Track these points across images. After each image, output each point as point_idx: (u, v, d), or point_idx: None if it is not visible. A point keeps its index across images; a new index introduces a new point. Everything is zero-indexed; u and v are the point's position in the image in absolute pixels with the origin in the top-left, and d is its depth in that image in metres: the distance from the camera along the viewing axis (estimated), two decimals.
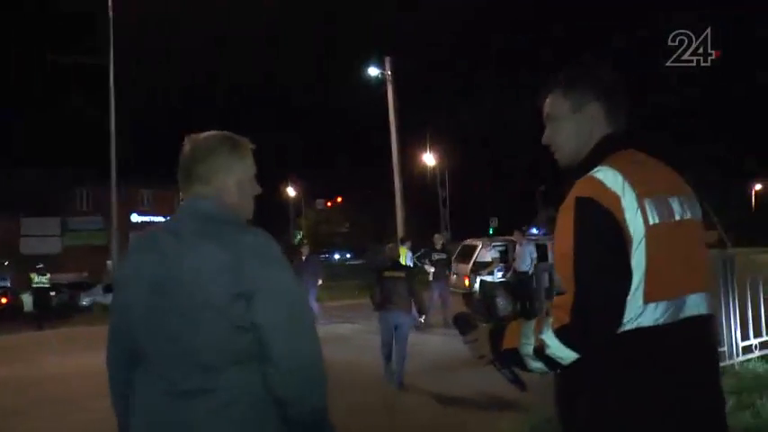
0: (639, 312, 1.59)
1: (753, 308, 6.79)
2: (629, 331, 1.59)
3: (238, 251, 1.70)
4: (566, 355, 1.61)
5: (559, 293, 1.67)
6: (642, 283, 1.59)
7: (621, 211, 1.60)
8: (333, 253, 66.43)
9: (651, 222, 1.61)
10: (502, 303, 14.16)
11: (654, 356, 1.60)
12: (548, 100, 1.90)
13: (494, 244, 14.83)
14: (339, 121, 79.38)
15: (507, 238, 16.07)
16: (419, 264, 12.91)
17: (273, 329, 1.70)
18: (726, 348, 6.47)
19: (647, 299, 1.60)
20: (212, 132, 1.94)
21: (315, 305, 14.30)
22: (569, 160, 1.88)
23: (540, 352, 1.64)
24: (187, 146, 1.92)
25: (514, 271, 13.99)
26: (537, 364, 1.67)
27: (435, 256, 12.90)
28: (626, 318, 1.59)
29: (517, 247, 14.04)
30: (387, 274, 8.04)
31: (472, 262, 13.94)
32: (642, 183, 1.65)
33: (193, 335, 1.69)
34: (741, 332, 6.66)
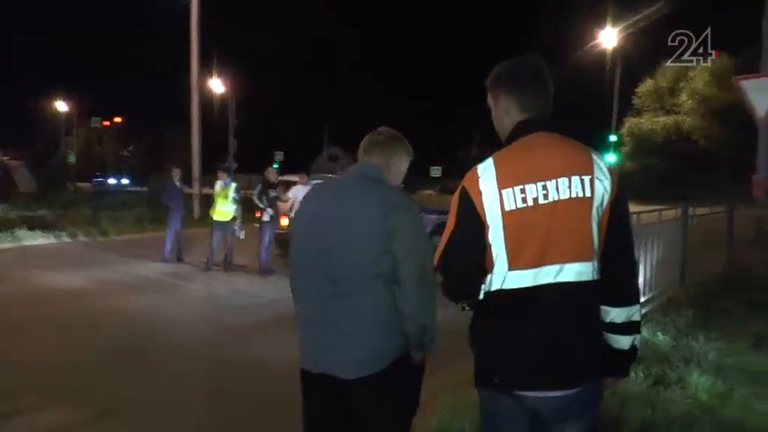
0: (504, 278, 2.05)
1: None
2: (496, 291, 2.06)
3: (388, 203, 2.42)
4: (452, 302, 2.18)
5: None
6: (504, 256, 2.04)
7: (481, 201, 2.05)
8: (107, 177, 60.77)
9: (507, 209, 2.03)
10: None
11: (509, 309, 2.05)
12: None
13: (314, 181, 13.68)
14: (126, 35, 72.02)
15: (332, 175, 15.05)
16: (260, 204, 11.17)
17: (402, 260, 2.38)
18: None
19: (511, 267, 2.04)
20: (399, 133, 2.78)
21: (170, 245, 12.32)
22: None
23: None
24: (383, 130, 2.74)
25: None
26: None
27: (272, 194, 11.32)
28: (495, 281, 2.06)
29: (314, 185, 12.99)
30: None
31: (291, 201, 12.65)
32: (512, 172, 2.05)
33: (352, 255, 2.40)
34: None
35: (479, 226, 2.04)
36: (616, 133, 44.55)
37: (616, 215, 2.08)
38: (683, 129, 44.90)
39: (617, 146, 45.75)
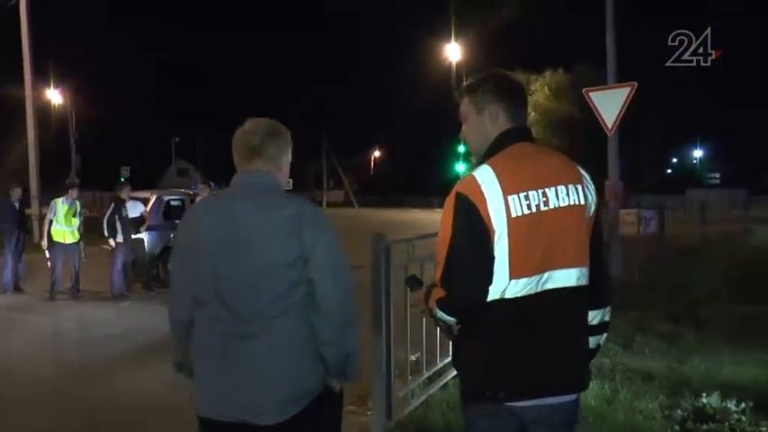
0: (505, 286, 2.01)
1: None
2: (496, 300, 2.01)
3: (301, 220, 2.09)
4: (446, 318, 2.08)
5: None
6: (507, 264, 2.00)
7: (486, 207, 1.99)
8: None
9: (513, 215, 2.00)
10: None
11: (512, 319, 2.01)
12: (461, 104, 2.28)
13: (168, 197, 12.87)
14: None
15: (184, 191, 14.29)
16: (107, 231, 10.15)
17: (324, 285, 2.10)
18: None
19: (512, 276, 2.00)
20: (271, 120, 2.35)
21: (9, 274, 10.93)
22: (477, 152, 2.26)
23: (435, 315, 2.10)
24: (254, 126, 2.29)
25: None
26: (441, 323, 2.14)
27: (124, 212, 10.41)
28: (495, 290, 2.00)
29: (198, 201, 12.37)
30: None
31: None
32: (514, 179, 2.03)
33: (259, 289, 2.07)
34: None
35: (484, 230, 1.98)
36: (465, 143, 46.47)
37: (598, 222, 2.19)
38: None
39: (466, 156, 47.70)
